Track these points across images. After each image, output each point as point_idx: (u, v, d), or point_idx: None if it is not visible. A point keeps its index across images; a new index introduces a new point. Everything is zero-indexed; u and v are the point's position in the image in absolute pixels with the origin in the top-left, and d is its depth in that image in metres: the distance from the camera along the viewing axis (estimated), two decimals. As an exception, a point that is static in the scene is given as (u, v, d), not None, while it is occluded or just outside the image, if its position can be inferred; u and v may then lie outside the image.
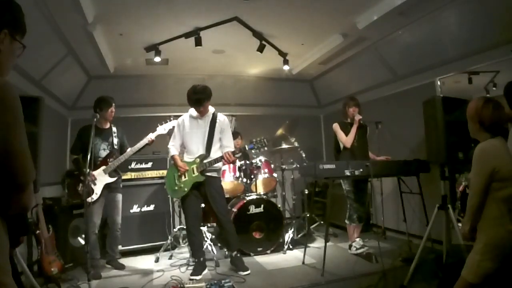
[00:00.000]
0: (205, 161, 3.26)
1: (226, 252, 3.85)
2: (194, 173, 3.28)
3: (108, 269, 3.54)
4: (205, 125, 3.37)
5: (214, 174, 3.36)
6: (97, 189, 3.36)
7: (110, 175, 3.45)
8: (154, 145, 3.64)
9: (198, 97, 3.26)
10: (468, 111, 1.87)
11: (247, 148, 3.34)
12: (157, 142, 3.61)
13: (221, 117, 3.44)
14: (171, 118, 3.64)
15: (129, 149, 3.53)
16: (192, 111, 3.42)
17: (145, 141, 3.49)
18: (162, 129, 3.60)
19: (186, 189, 3.28)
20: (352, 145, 3.68)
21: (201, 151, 3.32)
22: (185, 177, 3.30)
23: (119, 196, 3.59)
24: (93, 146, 3.33)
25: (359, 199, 3.72)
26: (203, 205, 3.54)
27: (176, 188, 3.33)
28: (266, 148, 3.41)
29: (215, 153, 3.32)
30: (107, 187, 3.44)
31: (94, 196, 3.33)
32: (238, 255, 3.41)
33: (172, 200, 4.40)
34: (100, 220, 3.45)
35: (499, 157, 1.70)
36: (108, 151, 3.50)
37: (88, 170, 3.23)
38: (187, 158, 3.38)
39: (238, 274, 3.24)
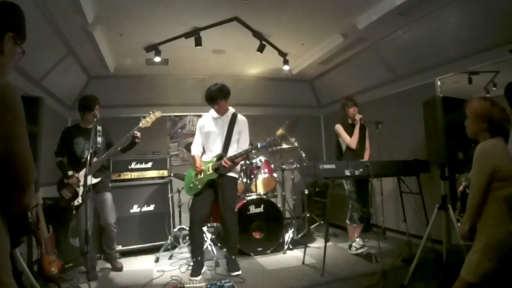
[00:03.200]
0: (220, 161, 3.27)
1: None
2: (208, 171, 3.29)
3: (108, 270, 3.54)
4: (224, 125, 3.39)
5: (231, 174, 3.35)
6: (82, 191, 3.20)
7: (94, 176, 3.29)
8: (154, 146, 3.63)
9: (212, 95, 3.29)
10: (475, 110, 1.84)
11: (259, 147, 3.30)
12: (158, 142, 3.60)
13: (241, 118, 3.45)
14: (154, 111, 3.50)
15: (112, 148, 3.38)
16: (213, 112, 3.45)
17: (129, 137, 3.34)
18: (145, 122, 3.44)
19: (199, 186, 3.31)
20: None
21: (219, 150, 3.34)
22: (201, 175, 3.34)
23: (108, 195, 3.45)
24: (75, 147, 3.30)
25: (361, 199, 3.72)
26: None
27: (192, 185, 3.38)
28: (279, 147, 3.40)
29: (233, 153, 3.30)
30: (93, 188, 3.26)
31: (79, 199, 3.20)
32: (233, 257, 3.38)
33: (172, 200, 4.41)
34: (91, 222, 3.30)
35: (499, 157, 1.70)
36: (91, 151, 3.27)
37: (71, 172, 3.21)
38: (206, 157, 3.41)
39: (230, 275, 3.23)
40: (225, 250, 3.53)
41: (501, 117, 1.79)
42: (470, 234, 1.80)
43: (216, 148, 3.37)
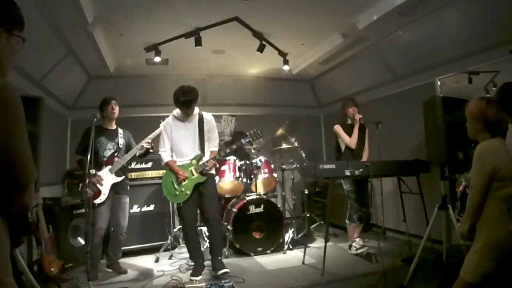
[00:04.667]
0: (201, 162, 3.25)
1: (226, 252, 3.84)
2: (194, 175, 3.24)
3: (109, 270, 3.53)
4: (193, 126, 3.33)
5: (211, 171, 3.35)
6: (104, 189, 3.30)
7: (117, 174, 3.38)
8: (154, 146, 3.62)
9: (187, 99, 3.17)
10: (471, 111, 1.85)
11: (243, 142, 3.30)
12: (158, 142, 3.58)
13: (208, 116, 3.41)
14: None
15: (134, 148, 3.46)
16: (176, 113, 3.36)
17: (140, 148, 3.43)
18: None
19: (188, 192, 3.22)
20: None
21: (196, 152, 3.30)
22: (185, 181, 3.24)
23: (126, 199, 3.51)
24: (97, 146, 3.34)
25: (360, 199, 3.71)
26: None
27: (177, 193, 3.24)
28: (261, 139, 3.39)
29: (208, 152, 3.31)
30: (113, 188, 3.37)
31: (102, 197, 3.27)
32: (219, 258, 3.30)
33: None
34: (106, 224, 3.38)
35: (499, 157, 1.70)
36: (113, 150, 3.45)
37: (94, 171, 3.20)
38: (179, 161, 3.31)
39: (217, 274, 3.15)
40: (211, 251, 3.33)
41: (496, 116, 1.78)
42: (470, 234, 1.79)
43: (189, 151, 3.29)
